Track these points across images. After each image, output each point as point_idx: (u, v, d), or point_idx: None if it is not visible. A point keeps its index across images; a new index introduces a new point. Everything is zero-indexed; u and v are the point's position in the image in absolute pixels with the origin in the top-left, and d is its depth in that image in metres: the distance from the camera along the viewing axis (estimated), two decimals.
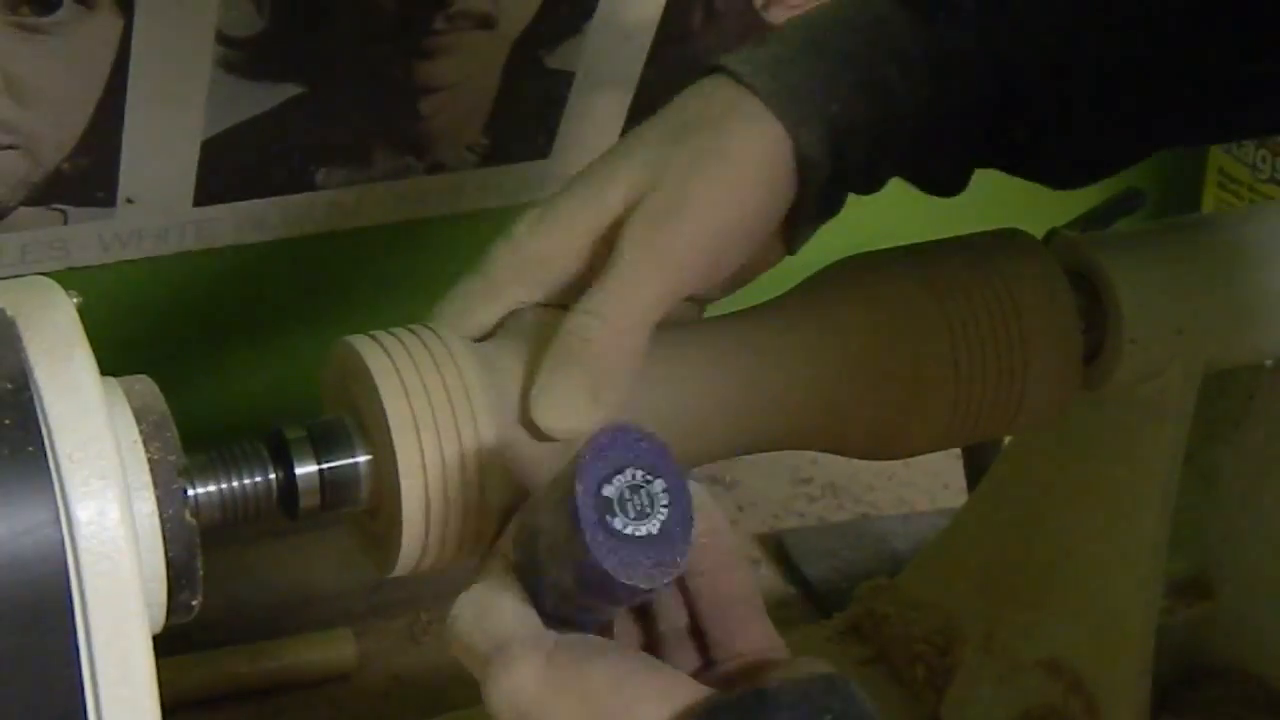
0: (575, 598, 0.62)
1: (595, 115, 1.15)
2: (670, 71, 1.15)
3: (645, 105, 1.16)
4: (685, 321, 0.74)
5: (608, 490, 0.59)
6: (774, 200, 0.71)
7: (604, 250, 0.69)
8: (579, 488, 0.59)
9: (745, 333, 0.74)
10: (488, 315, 0.71)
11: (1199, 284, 0.85)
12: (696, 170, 0.69)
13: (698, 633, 0.66)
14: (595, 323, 0.68)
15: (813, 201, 0.72)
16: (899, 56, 0.72)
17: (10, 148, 1.02)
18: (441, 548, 0.68)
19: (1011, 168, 0.78)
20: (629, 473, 0.59)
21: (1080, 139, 0.77)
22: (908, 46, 0.73)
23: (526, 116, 1.15)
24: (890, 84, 0.72)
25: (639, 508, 0.59)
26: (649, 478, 0.60)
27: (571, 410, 0.67)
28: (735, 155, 0.69)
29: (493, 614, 0.63)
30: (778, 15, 1.16)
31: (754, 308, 0.76)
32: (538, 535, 0.62)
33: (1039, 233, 0.83)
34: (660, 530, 0.59)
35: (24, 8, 0.95)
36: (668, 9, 1.12)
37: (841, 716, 0.59)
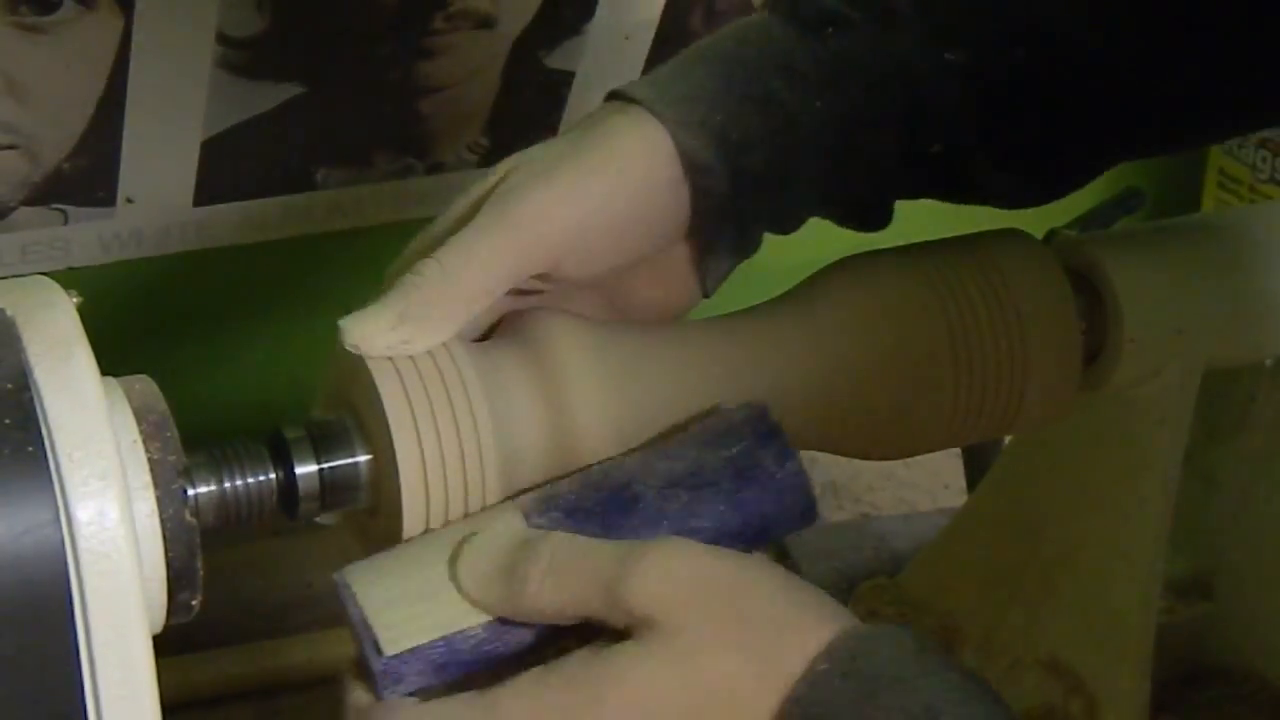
0: (714, 529, 0.65)
1: None
2: None
3: None
4: (685, 321, 0.74)
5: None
6: (654, 196, 0.70)
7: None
8: (773, 418, 0.67)
9: (745, 332, 0.74)
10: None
11: (1199, 284, 0.84)
12: (565, 154, 0.70)
13: None
14: (429, 265, 0.68)
15: (716, 222, 0.71)
16: (784, 68, 0.72)
17: (10, 147, 1.02)
18: None
19: (940, 191, 0.77)
20: None
21: (1006, 154, 0.76)
22: (794, 58, 0.72)
23: (526, 117, 1.15)
24: (777, 94, 0.71)
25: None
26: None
27: (370, 327, 0.67)
28: (610, 145, 0.70)
29: (590, 541, 0.64)
30: None
31: (753, 307, 0.76)
32: (634, 479, 0.66)
33: (1039, 233, 0.83)
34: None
35: (24, 8, 0.95)
36: (668, 9, 1.12)
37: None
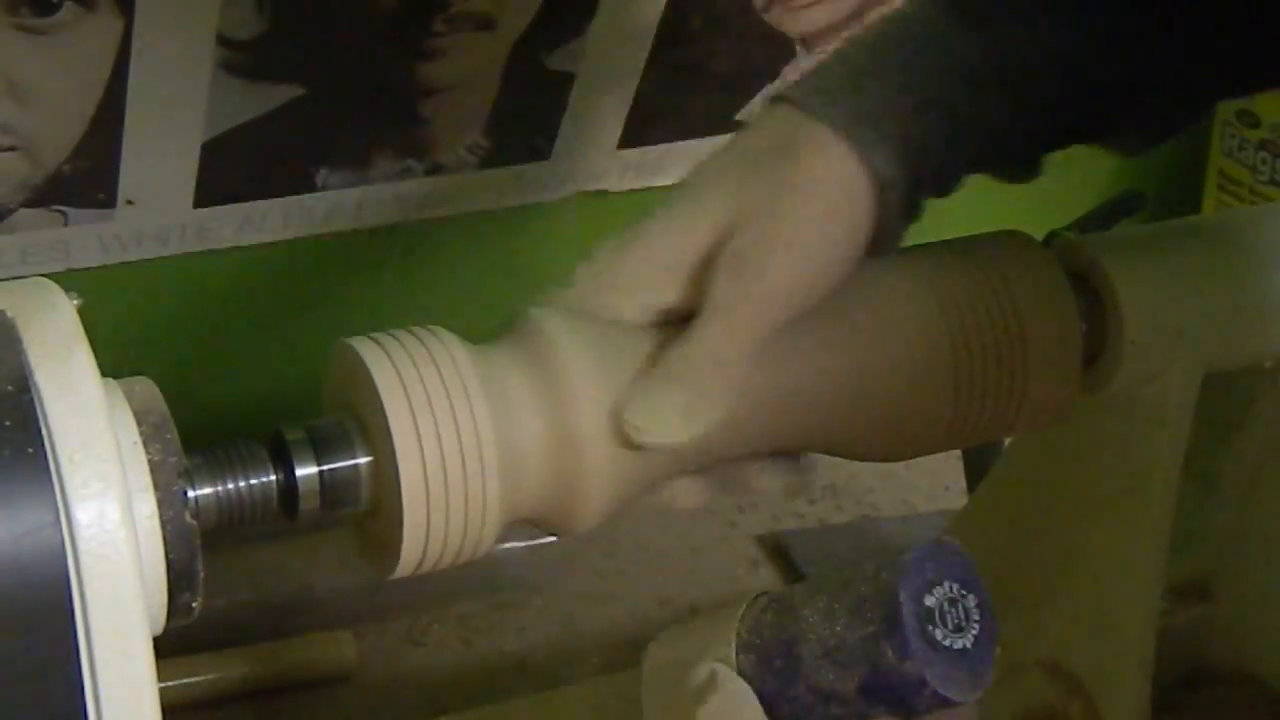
0: (854, 703, 0.62)
1: (595, 117, 1.15)
2: (670, 73, 1.15)
3: (645, 107, 1.16)
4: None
5: (929, 600, 0.61)
6: (856, 227, 0.71)
7: (685, 286, 0.71)
8: (903, 594, 0.60)
9: None
10: None
11: (1199, 286, 0.84)
12: (779, 206, 0.70)
13: None
14: (697, 350, 0.69)
15: (894, 219, 0.72)
16: (962, 70, 0.73)
17: (10, 149, 1.02)
18: (442, 549, 0.68)
19: (1085, 142, 0.79)
20: (947, 585, 0.61)
21: (1145, 114, 0.78)
22: (969, 56, 0.73)
23: (527, 118, 1.15)
24: (956, 99, 0.72)
25: (956, 621, 0.61)
26: (964, 592, 0.62)
27: (664, 426, 0.69)
28: (815, 188, 0.70)
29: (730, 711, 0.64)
30: (778, 18, 1.17)
31: None
32: (804, 640, 0.63)
33: (1039, 234, 0.83)
34: (974, 644, 0.61)
35: (24, 9, 0.95)
36: (668, 11, 1.12)
37: None
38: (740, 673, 0.65)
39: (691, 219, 0.71)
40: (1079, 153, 1.38)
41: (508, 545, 1.12)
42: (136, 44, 0.98)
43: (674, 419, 0.69)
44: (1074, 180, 1.34)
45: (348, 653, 1.08)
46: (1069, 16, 0.74)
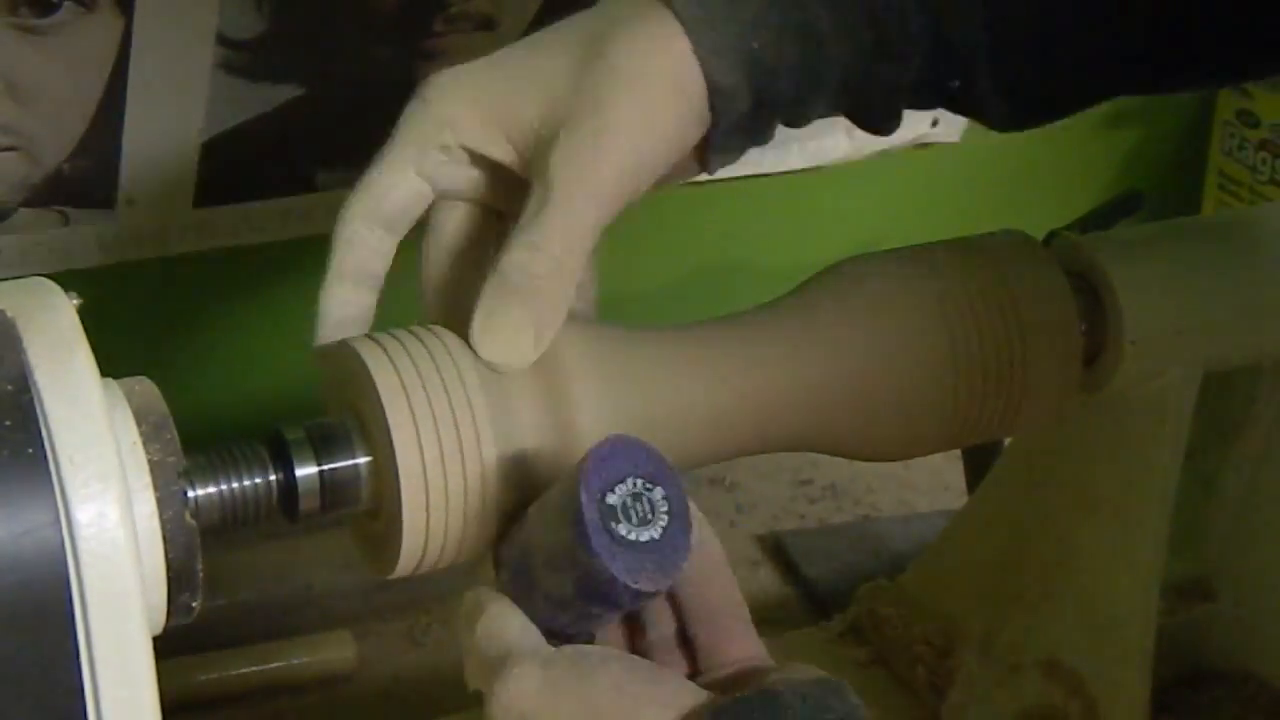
0: (575, 605, 0.63)
1: None
2: None
3: None
4: (686, 322, 0.74)
5: (611, 498, 0.61)
6: (685, 124, 0.71)
7: (516, 143, 0.70)
8: (583, 496, 0.61)
9: (746, 333, 0.74)
10: (400, 183, 0.72)
11: (1199, 285, 0.85)
12: (613, 93, 0.69)
13: (686, 641, 0.67)
14: (537, 256, 0.68)
15: (730, 131, 0.72)
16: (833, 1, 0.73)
17: (10, 149, 1.02)
18: (441, 549, 0.68)
19: (945, 107, 0.78)
20: (630, 481, 0.62)
21: (1014, 87, 0.77)
22: None
23: None
24: (820, 25, 0.72)
25: (641, 514, 0.62)
26: (649, 485, 0.62)
27: (514, 344, 0.68)
28: (648, 77, 0.70)
29: (494, 628, 0.64)
30: None
31: (753, 309, 0.76)
32: (532, 551, 0.64)
33: (1039, 234, 0.83)
34: (662, 535, 0.62)
35: (24, 9, 0.95)
36: None
37: (845, 718, 0.60)
38: (502, 591, 0.66)
39: (530, 74, 0.71)
40: (1079, 152, 1.38)
41: None
42: (136, 44, 0.98)
43: (526, 339, 0.68)
44: (1074, 180, 1.34)
45: (348, 653, 1.08)
46: None
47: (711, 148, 0.73)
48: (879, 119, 0.76)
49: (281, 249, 1.15)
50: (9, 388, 0.57)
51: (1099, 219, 1.05)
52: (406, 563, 0.69)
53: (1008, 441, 0.99)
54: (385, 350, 0.68)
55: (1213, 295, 0.85)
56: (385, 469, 0.67)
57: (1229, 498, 0.97)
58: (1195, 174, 1.41)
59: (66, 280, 0.62)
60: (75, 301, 0.61)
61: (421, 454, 0.67)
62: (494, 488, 0.68)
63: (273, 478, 0.67)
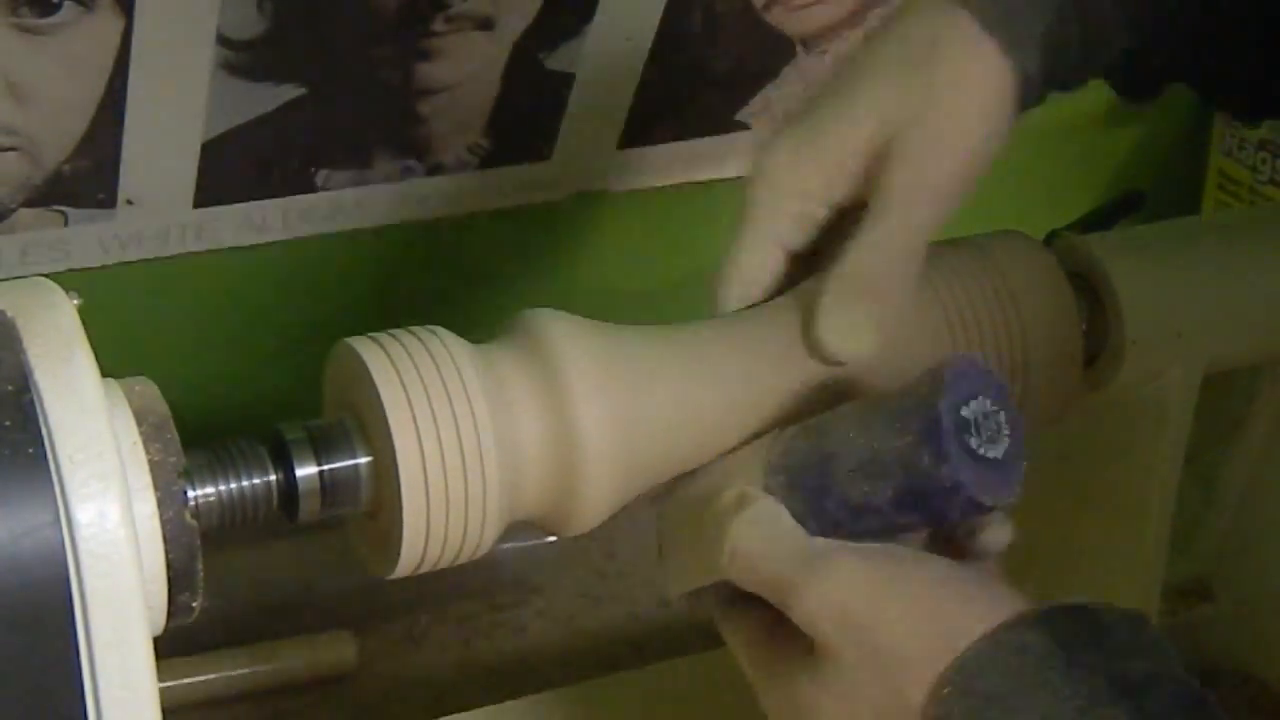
0: (883, 514, 0.65)
1: (595, 117, 1.15)
2: (670, 73, 1.15)
3: (645, 107, 1.16)
4: (687, 321, 0.74)
5: (965, 411, 0.64)
6: (1003, 120, 0.74)
7: (854, 180, 0.73)
8: (942, 405, 0.63)
9: (747, 332, 0.74)
10: (766, 260, 0.75)
11: (1200, 285, 0.85)
12: (940, 104, 0.73)
13: None
14: (878, 256, 0.72)
15: (1026, 110, 0.75)
16: None
17: (10, 149, 1.01)
18: (442, 549, 0.68)
19: (1206, 92, 0.83)
20: (982, 399, 0.64)
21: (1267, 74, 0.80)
22: None
23: (527, 118, 1.15)
24: (1096, 4, 0.75)
25: (990, 432, 0.64)
26: (995, 407, 0.64)
27: (859, 336, 0.71)
28: (972, 87, 0.73)
29: (785, 534, 0.66)
30: (778, 17, 1.16)
31: (756, 307, 0.76)
32: (836, 455, 0.66)
33: (1039, 234, 0.83)
34: (1005, 455, 0.64)
35: (24, 9, 0.95)
36: (667, 11, 1.12)
37: (1155, 644, 0.62)
38: (769, 493, 0.67)
39: (855, 113, 0.73)
40: (1079, 152, 1.38)
41: (508, 545, 1.12)
42: (136, 44, 0.98)
43: (866, 329, 0.72)
44: (1074, 180, 1.34)
45: (348, 653, 1.08)
46: None
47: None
48: (1145, 88, 0.80)
49: (281, 249, 1.15)
50: (9, 388, 0.57)
51: (1099, 219, 1.04)
52: (407, 563, 0.69)
53: None
54: (385, 350, 0.68)
55: (1213, 295, 0.85)
56: (386, 469, 0.67)
57: (1229, 498, 0.97)
58: (1195, 174, 1.40)
59: (66, 280, 0.62)
60: (75, 301, 0.61)
61: (422, 454, 0.67)
62: (494, 488, 0.68)
63: (273, 478, 0.67)
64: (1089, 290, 0.82)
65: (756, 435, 0.74)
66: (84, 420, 0.57)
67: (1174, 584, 0.97)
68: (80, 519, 0.56)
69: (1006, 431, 0.65)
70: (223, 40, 1.01)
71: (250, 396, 1.19)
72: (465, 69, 1.10)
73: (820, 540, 0.66)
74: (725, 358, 0.73)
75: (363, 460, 0.68)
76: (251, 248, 1.13)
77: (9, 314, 0.59)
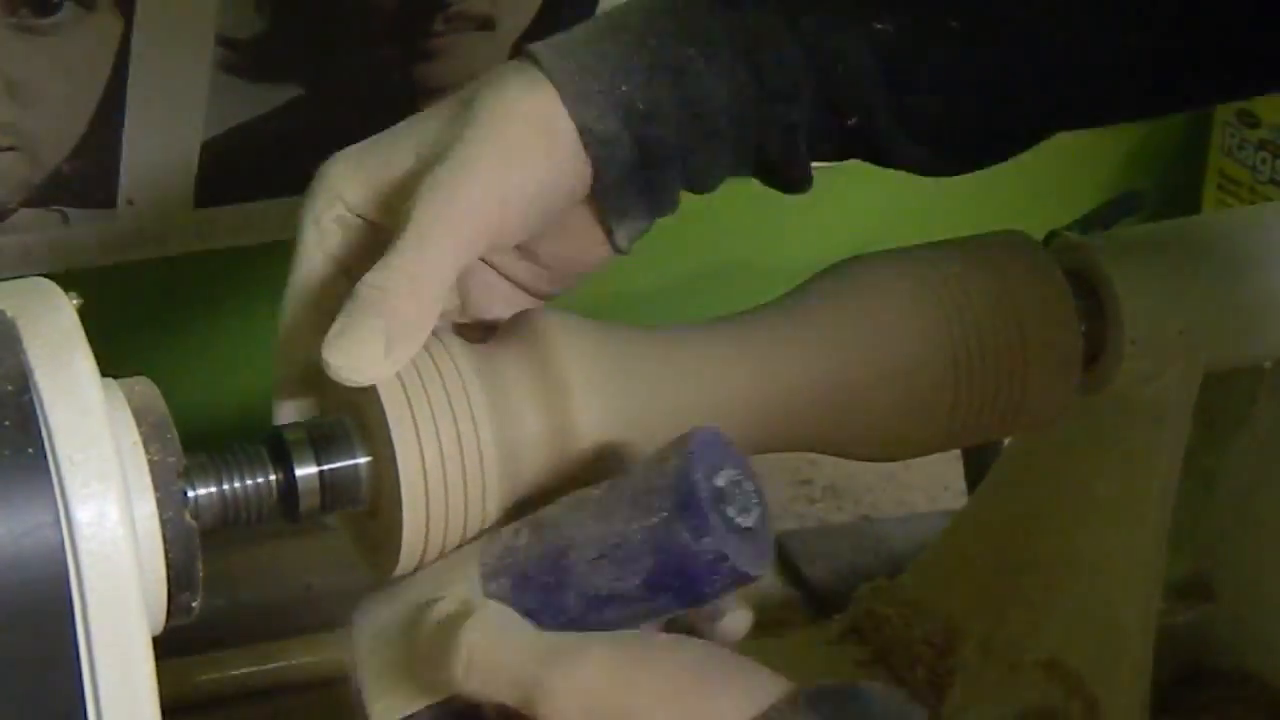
0: (630, 602, 0.62)
1: None
2: None
3: None
4: (685, 322, 0.74)
5: (719, 480, 0.62)
6: (559, 165, 0.71)
7: (390, 204, 0.71)
8: (697, 475, 0.61)
9: (744, 333, 0.74)
10: (315, 259, 0.74)
11: (1199, 285, 0.85)
12: (475, 133, 0.70)
13: None
14: (392, 275, 0.68)
15: (620, 187, 0.72)
16: (699, 39, 0.72)
17: (10, 149, 1.02)
18: (441, 549, 0.68)
19: (859, 156, 0.77)
20: (730, 469, 0.62)
21: (920, 128, 0.76)
22: (712, 29, 0.72)
23: None
24: (692, 64, 0.72)
25: (742, 502, 0.62)
26: (740, 476, 0.62)
27: (365, 356, 0.67)
28: (512, 119, 0.71)
29: (522, 633, 0.62)
30: None
31: (752, 310, 0.76)
32: (573, 546, 0.63)
33: (1039, 234, 0.83)
34: (757, 523, 0.62)
35: (24, 9, 0.95)
36: None
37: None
38: (492, 599, 0.64)
39: (399, 142, 0.72)
40: (1079, 152, 1.38)
41: None
42: (136, 44, 0.98)
43: (373, 349, 0.67)
44: (1074, 180, 1.34)
45: (348, 653, 1.07)
46: (822, 4, 0.74)
47: (605, 206, 0.72)
48: (785, 173, 0.76)
49: (281, 249, 1.14)
50: (9, 388, 0.57)
51: (1099, 219, 1.05)
52: (406, 563, 0.69)
53: (1008, 442, 0.99)
54: None
55: (1213, 295, 0.85)
56: (385, 469, 0.68)
57: (1228, 497, 0.97)
58: (1195, 174, 1.41)
59: (66, 280, 0.62)
60: (75, 301, 0.61)
61: (421, 454, 0.67)
62: (494, 488, 0.68)
63: (273, 478, 0.67)
64: (1088, 290, 0.82)
65: (755, 434, 0.74)
66: (84, 420, 0.57)
67: (1174, 584, 0.97)
68: (80, 519, 0.56)
69: (755, 500, 0.62)
70: (222, 40, 1.01)
71: (250, 397, 1.18)
72: (465, 69, 1.10)
73: (562, 634, 0.62)
74: (724, 358, 0.73)
75: (362, 460, 0.68)
76: (251, 248, 1.13)
77: (9, 314, 0.59)
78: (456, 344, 0.69)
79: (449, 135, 0.71)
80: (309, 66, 1.06)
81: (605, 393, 0.70)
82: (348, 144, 1.09)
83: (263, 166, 1.10)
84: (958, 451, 1.10)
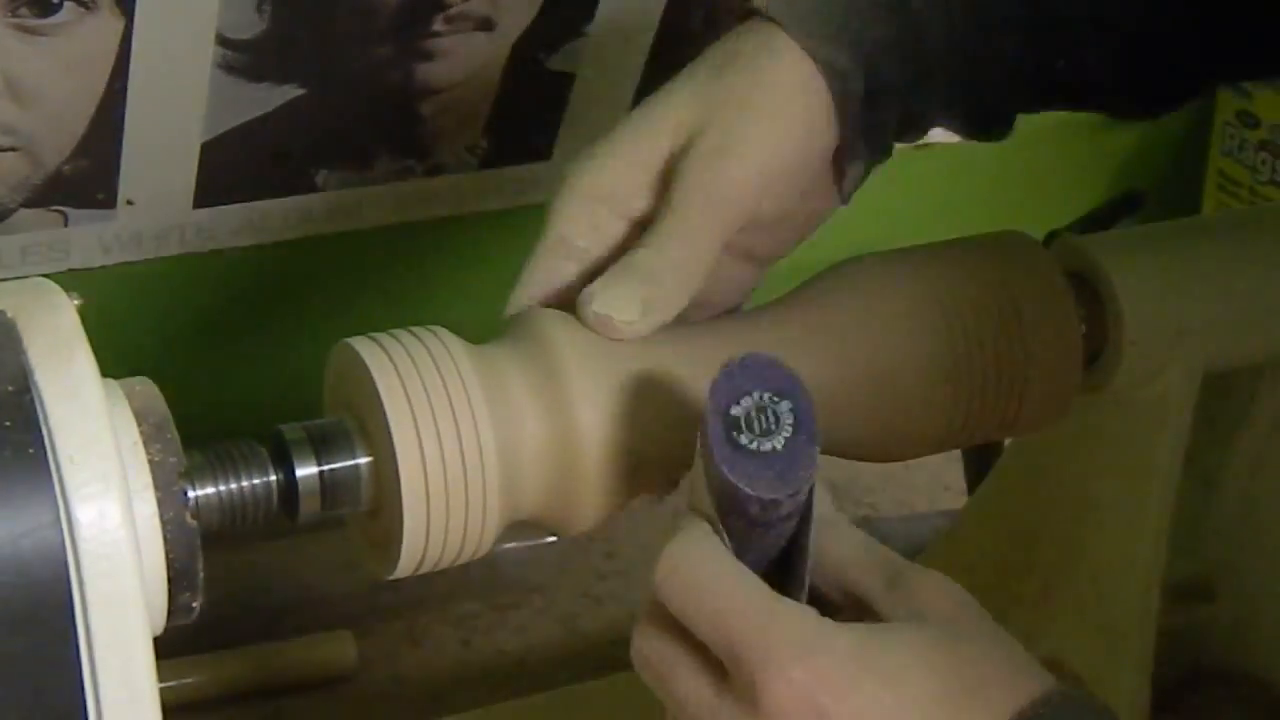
0: (721, 522, 0.64)
1: (595, 117, 1.15)
2: (670, 73, 1.15)
3: None
4: (686, 322, 0.74)
5: (735, 410, 0.63)
6: (813, 133, 0.73)
7: (661, 187, 0.72)
8: (709, 406, 0.62)
9: (744, 334, 0.74)
10: (566, 272, 0.73)
11: (1199, 285, 0.84)
12: (738, 108, 0.72)
13: None
14: (654, 253, 0.70)
15: (855, 132, 0.74)
16: None
17: (10, 149, 1.02)
18: (442, 549, 0.69)
19: (1061, 105, 0.80)
20: (755, 394, 0.63)
21: (1128, 70, 0.79)
22: None
23: (527, 118, 1.15)
24: (911, 3, 0.74)
25: (764, 426, 0.63)
26: (775, 399, 0.63)
27: (623, 307, 0.70)
28: (771, 90, 0.72)
29: (737, 577, 0.63)
30: None
31: (754, 309, 0.76)
32: (707, 473, 0.65)
33: (1039, 234, 0.83)
34: (785, 446, 0.63)
35: (24, 9, 0.95)
36: (668, 11, 1.12)
37: None
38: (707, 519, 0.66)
39: (656, 124, 0.73)
40: (1079, 152, 1.38)
41: (508, 545, 1.12)
42: (136, 44, 0.98)
43: (633, 306, 0.69)
44: (1074, 180, 1.34)
45: (348, 653, 1.08)
46: None
47: (843, 159, 0.74)
48: (989, 118, 0.78)
49: (281, 249, 1.15)
50: (9, 388, 0.57)
51: (1099, 219, 1.05)
52: (407, 563, 0.69)
53: (1008, 443, 0.99)
54: (385, 350, 0.69)
55: (1213, 295, 0.85)
56: (385, 469, 0.68)
57: (1229, 498, 0.97)
58: (1195, 174, 1.41)
59: (66, 280, 0.62)
60: (75, 301, 0.61)
61: (422, 454, 0.67)
62: (494, 488, 0.68)
63: (273, 478, 0.67)
64: (1088, 290, 0.82)
65: None
66: (84, 420, 0.57)
67: (1174, 584, 0.97)
68: (80, 519, 0.56)
69: (789, 421, 0.63)
70: (222, 40, 1.01)
71: (250, 397, 1.19)
72: (465, 69, 1.10)
73: (792, 605, 0.63)
74: (725, 358, 0.73)
75: (363, 460, 0.68)
76: (251, 248, 1.14)
77: (9, 314, 0.59)
78: (457, 344, 0.69)
79: (706, 116, 0.72)
80: (309, 66, 1.06)
81: (605, 391, 0.70)
82: (347, 144, 1.10)
83: (263, 168, 1.10)
84: (958, 451, 1.10)
